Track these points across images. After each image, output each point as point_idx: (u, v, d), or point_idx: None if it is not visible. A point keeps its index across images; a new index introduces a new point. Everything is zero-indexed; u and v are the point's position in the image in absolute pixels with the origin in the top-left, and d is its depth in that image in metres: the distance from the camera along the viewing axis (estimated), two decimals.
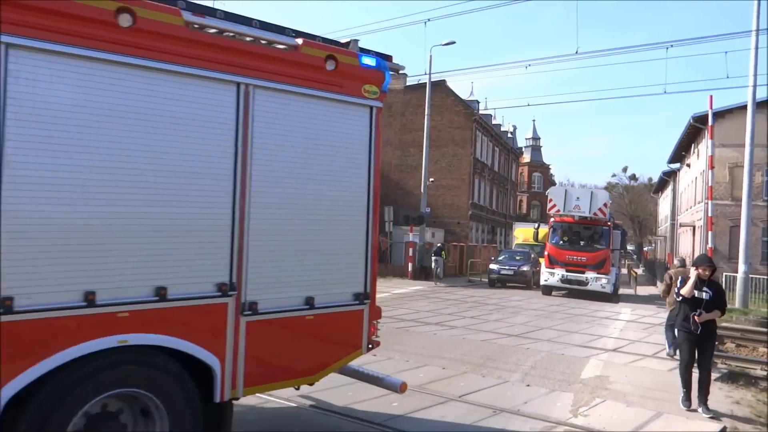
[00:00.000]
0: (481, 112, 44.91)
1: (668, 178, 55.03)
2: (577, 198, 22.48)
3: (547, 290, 22.84)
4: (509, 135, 60.45)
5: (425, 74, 29.38)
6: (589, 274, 21.78)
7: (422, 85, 36.69)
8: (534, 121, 76.26)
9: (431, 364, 8.85)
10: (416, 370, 8.47)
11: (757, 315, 16.94)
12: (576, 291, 22.15)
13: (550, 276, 22.45)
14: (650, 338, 12.66)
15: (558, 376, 8.47)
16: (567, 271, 22.05)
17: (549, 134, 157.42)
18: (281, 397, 6.61)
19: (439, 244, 30.65)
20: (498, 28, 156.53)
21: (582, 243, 22.63)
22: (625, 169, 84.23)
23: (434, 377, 8.03)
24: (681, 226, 45.01)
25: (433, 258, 27.54)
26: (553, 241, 22.96)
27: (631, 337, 12.71)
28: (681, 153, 43.91)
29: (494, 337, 11.78)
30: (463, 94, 45.40)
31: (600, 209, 21.92)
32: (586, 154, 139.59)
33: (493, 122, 51.11)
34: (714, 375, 9.08)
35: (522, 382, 8.02)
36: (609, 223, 22.90)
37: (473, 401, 6.91)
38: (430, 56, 28.84)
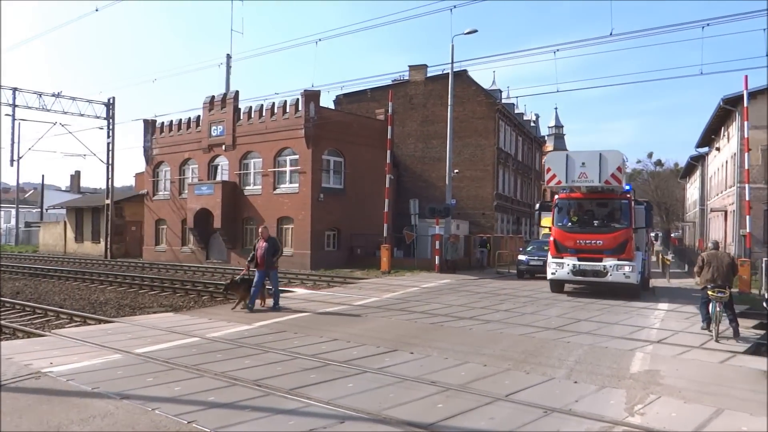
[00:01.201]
0: (503, 101, 44.25)
1: (696, 162, 53.84)
2: (582, 164, 17.08)
3: (557, 286, 18.08)
4: (532, 124, 59.65)
5: (448, 64, 28.85)
6: (608, 262, 16.73)
7: (443, 76, 36.24)
8: (556, 109, 75.48)
9: (471, 361, 8.54)
10: (457, 368, 8.18)
11: None
12: (593, 286, 17.72)
13: (557, 268, 17.40)
14: (694, 328, 12.18)
15: (605, 371, 8.10)
16: (579, 259, 17.05)
17: (572, 122, 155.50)
18: (320, 401, 6.37)
19: (483, 236, 32.58)
20: (515, 16, 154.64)
21: (596, 223, 17.47)
22: (650, 155, 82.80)
23: (477, 375, 7.73)
24: (712, 211, 43.96)
25: (479, 249, 32.26)
26: (560, 224, 17.80)
27: (674, 327, 12.24)
28: (710, 136, 42.85)
29: (532, 330, 11.42)
30: (485, 84, 44.79)
31: (613, 175, 16.80)
32: (611, 141, 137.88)
33: (516, 111, 50.40)
34: (765, 367, 8.68)
35: (569, 379, 7.67)
36: (629, 195, 17.64)
37: (521, 400, 6.59)
38: (452, 46, 28.35)
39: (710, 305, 11.37)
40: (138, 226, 43.01)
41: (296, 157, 31.66)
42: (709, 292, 11.29)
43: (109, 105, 42.20)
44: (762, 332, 12.40)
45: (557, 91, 43.87)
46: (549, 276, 17.66)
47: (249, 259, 14.20)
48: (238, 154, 34.26)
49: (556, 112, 78.57)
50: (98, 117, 41.85)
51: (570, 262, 17.13)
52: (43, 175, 78.09)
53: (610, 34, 17.41)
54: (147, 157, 40.26)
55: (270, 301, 14.36)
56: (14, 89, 37.37)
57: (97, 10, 26.74)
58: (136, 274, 27.56)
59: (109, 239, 41.93)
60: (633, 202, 17.49)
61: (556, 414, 6.16)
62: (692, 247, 45.98)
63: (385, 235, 28.10)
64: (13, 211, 69.30)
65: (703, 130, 41.74)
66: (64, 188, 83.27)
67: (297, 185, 31.76)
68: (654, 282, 22.56)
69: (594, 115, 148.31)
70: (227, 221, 33.79)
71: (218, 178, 35.28)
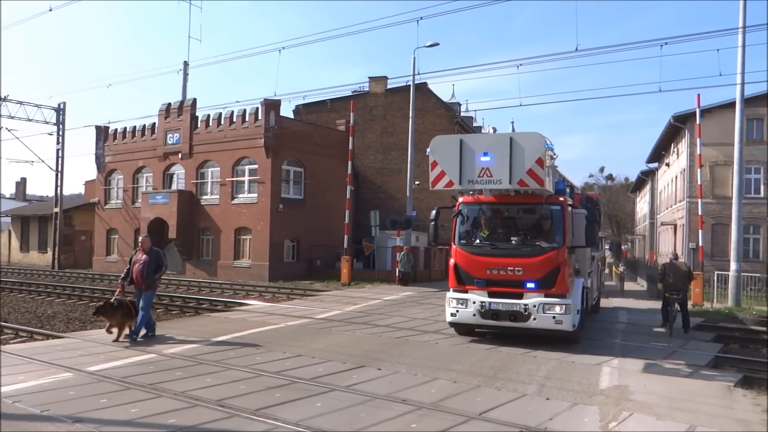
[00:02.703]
0: (462, 114, 44.64)
1: (646, 177, 55.43)
2: (485, 154, 11.02)
3: (463, 329, 12.33)
4: None
5: (409, 76, 28.94)
6: (532, 299, 10.99)
7: (403, 88, 36.33)
8: (513, 122, 76.22)
9: (441, 378, 8.37)
10: (427, 384, 7.99)
11: (755, 313, 16.80)
12: (510, 332, 11.54)
13: (459, 306, 11.55)
14: (656, 341, 12.35)
15: (576, 387, 8.03)
16: (490, 294, 11.32)
17: None
18: (288, 422, 6.08)
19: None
20: (475, 30, 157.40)
21: (515, 240, 11.57)
22: (601, 170, 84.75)
23: (448, 392, 7.55)
24: (662, 224, 45.24)
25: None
26: (463, 242, 11.90)
27: (636, 341, 12.37)
28: (660, 152, 44.17)
29: (497, 344, 11.33)
30: (445, 97, 45.12)
31: (531, 172, 10.75)
32: (565, 156, 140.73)
33: (474, 125, 50.93)
34: (730, 381, 8.80)
35: (540, 395, 7.56)
36: (562, 199, 11.73)
37: (495, 419, 6.44)
38: (414, 58, 28.50)
39: (669, 307, 13.81)
40: (88, 236, 41.56)
41: (255, 166, 31.13)
42: (666, 295, 13.96)
43: (60, 110, 40.78)
44: (720, 345, 12.67)
45: (520, 105, 44.55)
46: (448, 318, 11.80)
47: (123, 275, 11.47)
48: (195, 162, 33.48)
49: (513, 126, 79.49)
50: (47, 122, 40.40)
51: (477, 298, 11.29)
52: None
53: (576, 49, 17.62)
54: (99, 165, 38.98)
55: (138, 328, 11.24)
56: None
57: (51, 10, 25.75)
58: (86, 286, 26.52)
59: (57, 249, 40.37)
60: (570, 209, 11.83)
61: None
62: (642, 260, 47.26)
63: (345, 246, 27.82)
64: None
65: (653, 146, 43.00)
66: (8, 195, 79.97)
67: (256, 195, 31.21)
68: (609, 301, 20.83)
69: (549, 130, 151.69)
70: (183, 231, 32.92)
71: (174, 187, 34.39)
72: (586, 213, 12.42)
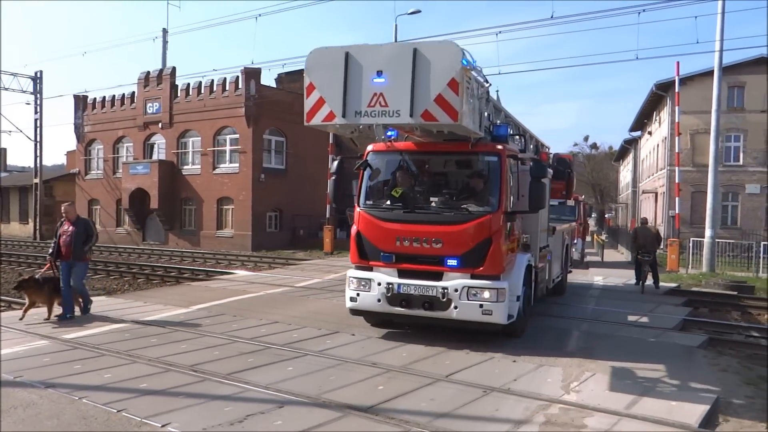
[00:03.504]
0: None
1: (629, 146, 55.79)
2: (379, 74, 7.59)
3: (372, 319, 9.66)
4: None
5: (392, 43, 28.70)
6: (452, 281, 8.39)
7: None
8: (497, 91, 76.15)
9: (413, 343, 8.55)
10: (398, 349, 8.17)
11: (726, 279, 17.19)
12: (425, 322, 8.83)
13: (361, 288, 8.91)
14: (625, 305, 12.64)
15: (543, 350, 8.26)
16: (400, 273, 8.71)
17: (513, 104, 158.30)
18: (258, 385, 6.23)
19: None
20: None
21: (434, 201, 8.94)
22: (586, 138, 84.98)
23: (418, 356, 7.74)
24: (643, 192, 45.74)
25: None
26: (369, 203, 9.19)
27: (607, 306, 12.66)
28: (643, 121, 44.40)
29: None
30: None
31: (441, 99, 7.39)
32: (552, 125, 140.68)
33: None
34: (693, 342, 9.08)
35: (508, 358, 7.78)
36: (501, 148, 8.71)
37: (461, 380, 6.63)
38: (395, 26, 28.22)
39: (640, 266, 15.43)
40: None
41: (236, 136, 30.93)
42: (638, 257, 15.57)
43: (36, 79, 40.05)
44: (689, 309, 13.00)
45: (499, 74, 44.23)
46: (347, 304, 9.08)
47: (50, 252, 10.34)
48: (176, 132, 33.18)
49: (497, 94, 79.21)
50: (24, 92, 39.70)
51: (383, 278, 8.65)
52: None
53: (551, 17, 17.58)
54: (78, 135, 38.50)
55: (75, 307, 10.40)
56: None
57: None
58: None
59: (38, 220, 40.06)
60: (512, 162, 8.88)
61: (495, 393, 6.22)
62: (625, 228, 47.87)
63: (327, 216, 27.89)
64: None
65: (636, 114, 43.20)
66: None
67: (237, 165, 31.08)
68: (586, 273, 18.96)
69: (535, 99, 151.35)
70: (165, 202, 32.78)
71: (155, 157, 34.13)
72: (534, 164, 8.88)
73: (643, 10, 16.49)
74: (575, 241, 19.87)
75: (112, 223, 36.87)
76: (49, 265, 10.34)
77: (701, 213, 30.35)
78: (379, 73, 7.63)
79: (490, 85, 8.81)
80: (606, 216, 66.87)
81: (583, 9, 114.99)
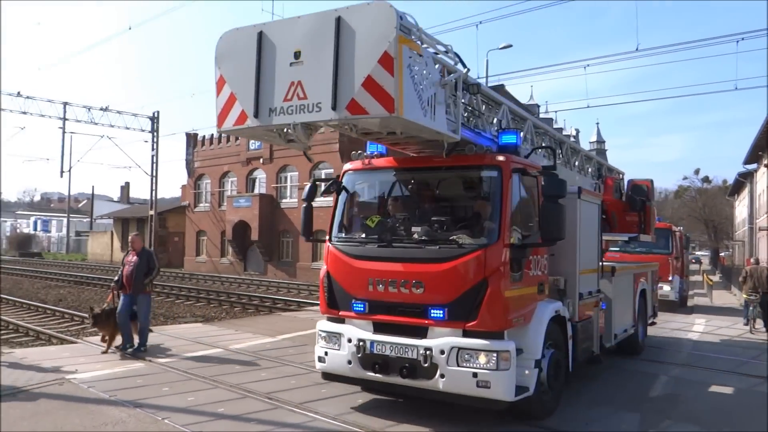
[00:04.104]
0: (541, 115, 43.84)
1: (744, 179, 52.11)
2: (296, 55, 5.75)
3: (346, 382, 7.21)
4: (572, 139, 58.87)
5: (479, 78, 28.82)
6: (438, 339, 6.24)
7: None
8: (597, 123, 74.14)
9: None
10: None
11: None
12: (406, 392, 6.68)
13: (330, 346, 6.93)
14: (726, 351, 11.81)
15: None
16: (376, 328, 6.67)
17: (616, 137, 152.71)
18: (326, 415, 6.43)
19: None
20: (557, 28, 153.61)
21: (418, 231, 6.62)
22: (697, 172, 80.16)
23: None
24: (760, 230, 42.47)
25: None
26: (341, 235, 7.33)
27: (707, 350, 11.89)
28: (758, 153, 41.49)
29: None
30: (523, 99, 44.53)
31: (370, 82, 5.39)
32: (657, 158, 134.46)
33: (555, 126, 49.87)
34: None
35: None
36: (501, 159, 6.60)
37: None
38: (487, 60, 28.48)
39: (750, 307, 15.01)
40: (180, 237, 44.07)
41: (331, 170, 32.01)
42: (744, 296, 15.27)
43: (154, 119, 43.47)
44: None
45: (587, 107, 43.38)
46: (317, 365, 7.13)
47: (115, 279, 10.27)
48: (275, 167, 34.88)
49: (598, 127, 77.22)
50: (143, 130, 43.14)
51: (355, 333, 6.77)
52: (93, 186, 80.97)
53: (636, 49, 17.12)
54: (189, 170, 41.33)
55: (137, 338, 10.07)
56: (65, 103, 38.83)
57: (130, 29, 27.68)
58: (174, 284, 28.22)
59: (152, 249, 43.03)
60: (522, 178, 6.74)
61: None
62: (739, 267, 44.63)
63: None
64: (65, 221, 71.84)
65: (750, 146, 40.47)
66: (115, 198, 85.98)
67: (331, 199, 32.01)
68: (692, 317, 17.25)
69: (639, 131, 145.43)
70: (264, 234, 34.35)
71: (256, 191, 35.96)
72: (549, 180, 6.54)
73: (742, 39, 15.64)
74: (671, 279, 17.99)
75: (217, 253, 39.01)
76: (111, 294, 10.30)
77: None
78: (297, 55, 5.78)
79: (468, 69, 6.63)
80: (720, 254, 62.58)
81: (677, 39, 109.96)
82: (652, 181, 11.97)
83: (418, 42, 5.77)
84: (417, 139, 6.66)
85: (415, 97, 5.61)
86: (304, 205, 7.99)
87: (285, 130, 5.99)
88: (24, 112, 36.61)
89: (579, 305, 7.68)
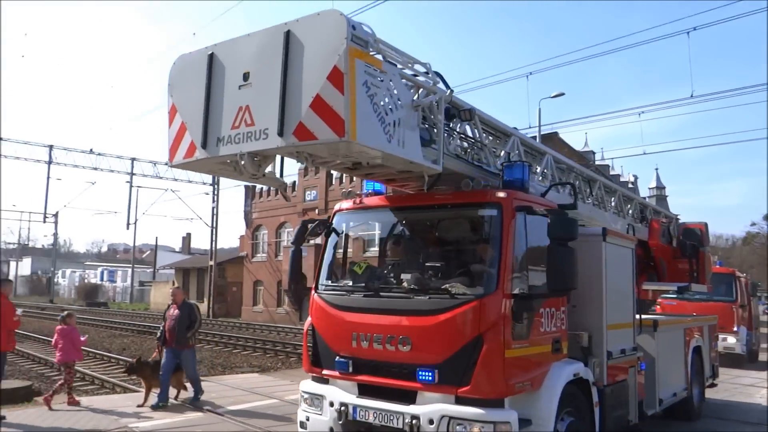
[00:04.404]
0: (597, 162, 43.35)
1: None
2: (245, 76, 5.15)
3: None
4: (630, 185, 57.66)
5: (531, 128, 28.89)
6: (426, 406, 5.39)
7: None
8: (657, 169, 72.33)
9: None
10: None
11: None
12: None
13: (311, 410, 6.21)
14: None
15: None
16: (361, 391, 5.86)
17: (675, 183, 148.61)
18: None
19: None
20: (609, 76, 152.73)
21: (407, 278, 5.91)
22: (767, 217, 77.02)
23: None
24: None
25: None
26: (326, 284, 6.66)
27: None
28: None
29: None
30: (577, 145, 44.22)
31: (319, 103, 4.70)
32: (719, 203, 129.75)
33: (612, 173, 49.10)
34: None
35: None
36: (502, 195, 5.75)
37: None
38: (539, 109, 28.41)
39: None
40: (238, 287, 45.06)
41: None
42: None
43: None
44: None
45: (643, 153, 42.48)
46: (299, 431, 6.42)
47: (158, 334, 10.13)
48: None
49: (657, 173, 75.24)
50: (204, 183, 44.96)
51: (337, 396, 6.02)
52: (156, 237, 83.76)
53: (691, 96, 16.93)
54: (247, 221, 42.59)
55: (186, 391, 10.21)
56: (133, 159, 40.97)
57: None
58: (232, 334, 28.75)
59: (211, 299, 44.12)
60: (528, 218, 5.77)
61: None
62: None
63: None
64: (129, 271, 74.61)
65: None
66: (177, 249, 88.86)
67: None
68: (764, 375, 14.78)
69: (700, 176, 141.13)
70: None
71: (311, 242, 36.54)
72: (558, 218, 5.68)
73: None
74: (736, 330, 16.14)
75: (273, 303, 39.64)
76: (158, 351, 10.10)
77: None
78: (246, 77, 5.19)
79: (452, 91, 5.92)
80: None
81: (734, 83, 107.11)
82: (706, 225, 11.12)
83: (379, 56, 5.08)
84: (404, 174, 6.07)
85: (374, 119, 4.90)
86: (292, 249, 7.12)
87: (243, 163, 5.23)
88: (95, 168, 38.81)
89: (608, 366, 6.67)
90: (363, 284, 6.20)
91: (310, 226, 6.90)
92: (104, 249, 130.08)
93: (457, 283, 5.52)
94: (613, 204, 9.21)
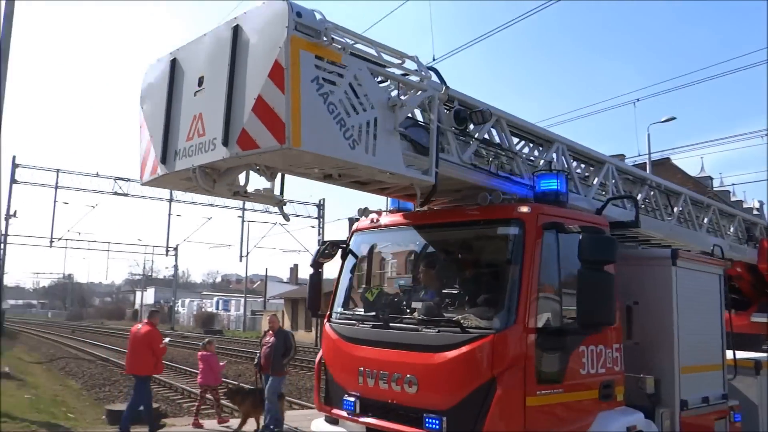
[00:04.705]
0: (716, 188, 40.83)
1: None
2: (200, 81, 4.63)
3: None
4: (755, 212, 53.60)
5: (639, 155, 27.91)
6: None
7: (641, 166, 34.77)
8: None
9: None
10: None
11: None
12: None
13: None
14: None
15: None
16: (369, 429, 5.24)
17: None
18: None
19: None
20: (724, 98, 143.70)
21: (418, 306, 5.47)
22: None
23: None
24: None
25: None
26: (338, 313, 6.15)
27: None
28: None
29: None
30: (693, 171, 41.93)
31: (261, 105, 4.03)
32: None
33: (733, 199, 45.95)
34: None
35: None
36: (525, 210, 4.99)
37: None
38: (648, 134, 27.42)
39: None
40: None
41: None
42: None
43: (320, 206, 46.98)
44: None
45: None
46: None
47: (255, 361, 10.32)
48: None
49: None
50: (310, 216, 46.71)
51: None
52: (266, 269, 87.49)
53: None
54: None
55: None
56: None
57: None
58: None
59: (319, 329, 45.37)
60: (555, 235, 4.90)
61: None
62: None
63: None
64: (242, 301, 78.23)
65: None
66: (285, 279, 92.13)
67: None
68: None
69: None
70: None
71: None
72: (589, 236, 4.76)
73: None
74: None
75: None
76: (257, 376, 10.23)
77: None
78: (200, 81, 4.64)
79: (447, 87, 5.11)
80: None
81: None
82: None
83: (338, 47, 4.29)
84: (404, 187, 5.32)
85: (328, 122, 4.17)
86: (311, 273, 6.49)
87: (215, 181, 4.76)
88: (210, 204, 41.49)
89: (681, 417, 5.57)
90: (373, 313, 5.59)
91: (322, 248, 6.32)
92: (218, 279, 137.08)
93: (471, 314, 4.72)
94: (705, 221, 8.18)
